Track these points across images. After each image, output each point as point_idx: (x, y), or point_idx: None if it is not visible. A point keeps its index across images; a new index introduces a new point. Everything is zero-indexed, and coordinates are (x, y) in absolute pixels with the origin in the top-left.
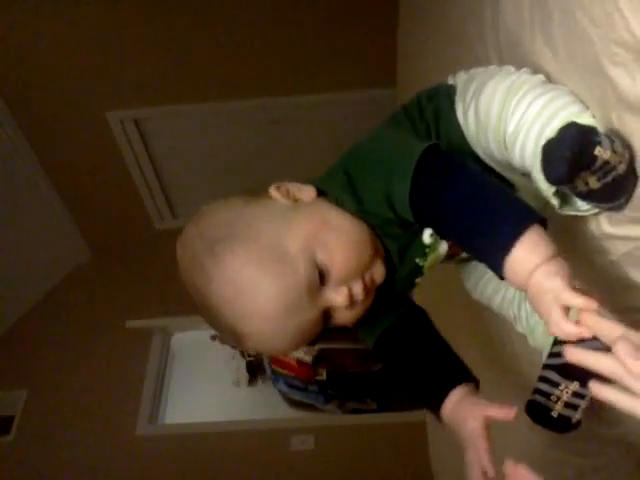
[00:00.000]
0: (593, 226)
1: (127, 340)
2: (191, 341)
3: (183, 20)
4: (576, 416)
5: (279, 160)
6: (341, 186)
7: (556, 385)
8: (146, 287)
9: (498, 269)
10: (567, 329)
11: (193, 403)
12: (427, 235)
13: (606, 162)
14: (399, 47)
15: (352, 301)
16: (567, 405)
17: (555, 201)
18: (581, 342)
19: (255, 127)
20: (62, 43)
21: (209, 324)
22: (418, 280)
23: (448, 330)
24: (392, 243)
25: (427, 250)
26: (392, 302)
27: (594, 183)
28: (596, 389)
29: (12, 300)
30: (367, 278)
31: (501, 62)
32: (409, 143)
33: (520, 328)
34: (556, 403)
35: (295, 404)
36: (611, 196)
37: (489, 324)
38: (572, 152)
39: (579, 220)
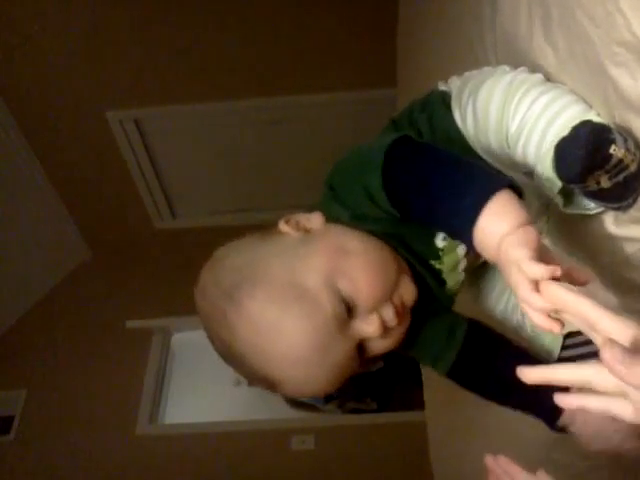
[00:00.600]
0: (598, 227)
1: (127, 340)
2: (191, 341)
3: (183, 20)
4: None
5: (279, 160)
6: (330, 200)
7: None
8: (146, 287)
9: (468, 241)
10: (534, 303)
11: (193, 403)
12: (440, 238)
13: (620, 160)
14: (399, 47)
15: (385, 328)
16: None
17: (559, 200)
18: (574, 347)
19: (255, 127)
20: (62, 43)
21: (238, 372)
22: (450, 288)
23: None
24: (410, 256)
25: (441, 253)
26: (444, 321)
27: (605, 182)
28: (562, 401)
29: (12, 300)
30: (396, 300)
31: (499, 62)
32: (380, 140)
33: (525, 335)
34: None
35: (295, 404)
36: (620, 195)
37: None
38: (587, 151)
39: (584, 220)
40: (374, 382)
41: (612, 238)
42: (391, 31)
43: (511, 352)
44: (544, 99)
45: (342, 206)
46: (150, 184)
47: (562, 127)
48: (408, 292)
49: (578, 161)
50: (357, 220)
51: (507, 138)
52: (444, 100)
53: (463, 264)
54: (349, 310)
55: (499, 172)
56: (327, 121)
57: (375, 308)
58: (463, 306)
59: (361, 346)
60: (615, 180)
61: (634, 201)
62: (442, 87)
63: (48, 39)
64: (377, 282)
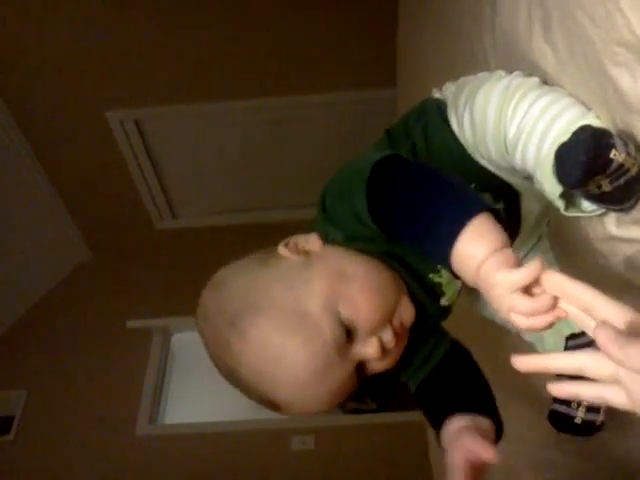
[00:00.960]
0: (599, 228)
1: (127, 340)
2: (191, 341)
3: (184, 20)
4: (599, 418)
5: (279, 160)
6: (324, 222)
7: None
8: (146, 287)
9: (448, 266)
10: (523, 306)
11: (193, 403)
12: None
13: (621, 165)
14: (399, 47)
15: (384, 350)
16: (589, 409)
17: (560, 203)
18: (577, 348)
19: (255, 127)
20: (62, 43)
21: (243, 394)
22: (443, 302)
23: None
24: (406, 274)
25: (439, 266)
26: (429, 337)
27: (606, 186)
28: (556, 389)
29: (12, 300)
30: (396, 322)
31: (499, 62)
32: (369, 157)
33: (528, 337)
34: (577, 409)
35: None
36: (621, 198)
37: (494, 334)
38: (587, 156)
39: (584, 223)
40: (374, 382)
41: (613, 239)
42: (391, 31)
43: (473, 384)
44: (541, 102)
45: (335, 227)
46: (150, 184)
47: (561, 131)
48: (407, 313)
49: (579, 167)
50: (351, 241)
51: (505, 143)
52: (439, 108)
53: None
54: (349, 333)
55: (478, 194)
56: (327, 121)
57: (375, 331)
58: (462, 313)
59: (360, 365)
60: (616, 184)
61: (636, 202)
62: (437, 94)
63: (48, 39)
64: (377, 306)
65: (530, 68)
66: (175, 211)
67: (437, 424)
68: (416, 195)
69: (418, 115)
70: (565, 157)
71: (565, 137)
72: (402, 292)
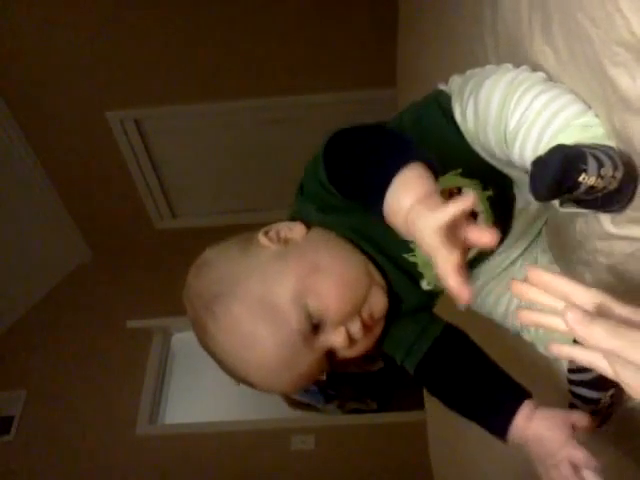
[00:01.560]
0: (596, 227)
1: (127, 340)
2: (191, 341)
3: (183, 20)
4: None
5: (279, 160)
6: (299, 199)
7: (596, 402)
8: (146, 287)
9: (382, 216)
10: (447, 254)
11: (193, 403)
12: None
13: (591, 187)
14: (399, 47)
15: (352, 339)
16: (608, 406)
17: (555, 200)
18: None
19: (255, 127)
20: (62, 43)
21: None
22: (424, 285)
23: None
24: (375, 252)
25: (412, 245)
26: (419, 320)
27: (582, 197)
28: (555, 349)
29: (12, 300)
30: (365, 314)
31: (500, 62)
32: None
33: (528, 337)
34: (599, 404)
35: (295, 404)
36: (604, 205)
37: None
38: (554, 178)
39: (580, 221)
40: (374, 382)
41: (610, 238)
42: (391, 31)
43: (482, 362)
44: (544, 97)
45: (309, 201)
46: (150, 184)
47: (560, 127)
48: (378, 305)
49: (545, 186)
50: (323, 213)
51: (505, 134)
52: (437, 100)
53: None
54: (316, 325)
55: (415, 147)
56: (327, 121)
57: (343, 322)
58: (459, 311)
59: (330, 352)
60: (591, 197)
61: (623, 207)
62: (441, 86)
63: (48, 39)
64: (345, 299)
65: (532, 68)
66: (175, 211)
67: (490, 417)
68: (359, 157)
69: (414, 107)
70: (535, 172)
71: (562, 135)
72: (374, 283)
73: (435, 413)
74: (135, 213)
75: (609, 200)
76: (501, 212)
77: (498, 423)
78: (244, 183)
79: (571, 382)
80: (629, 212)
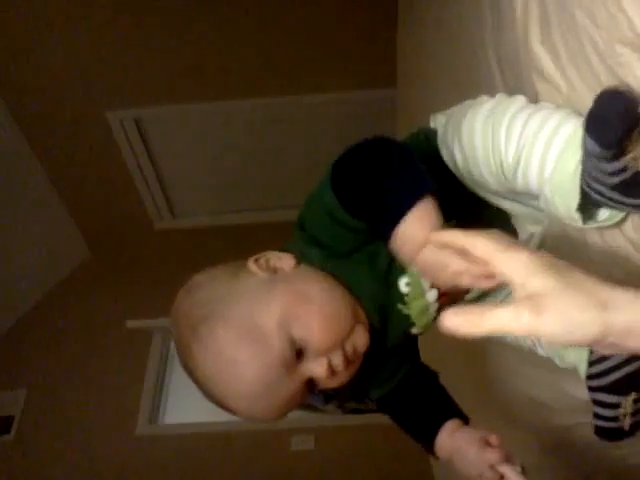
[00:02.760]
0: (617, 233)
1: (127, 340)
2: None
3: (183, 20)
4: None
5: (279, 160)
6: (301, 241)
7: (616, 406)
8: (146, 287)
9: (387, 239)
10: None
11: (193, 403)
12: (403, 284)
13: None
14: (399, 47)
15: (332, 371)
16: (634, 413)
17: (577, 216)
18: (602, 361)
19: (255, 127)
20: (62, 43)
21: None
22: (414, 331)
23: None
24: (370, 303)
25: (406, 299)
26: (393, 356)
27: (633, 161)
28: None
29: (12, 300)
30: (348, 347)
31: (501, 63)
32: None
33: (542, 352)
34: (624, 419)
35: None
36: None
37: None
38: (625, 105)
39: (595, 234)
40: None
41: (631, 245)
42: (391, 31)
43: (435, 393)
44: (535, 120)
45: (312, 245)
46: (150, 184)
47: (564, 143)
48: (361, 341)
49: (616, 117)
50: (327, 260)
51: (503, 168)
52: (424, 134)
53: (435, 307)
54: (299, 353)
55: (424, 173)
56: (327, 121)
57: (325, 353)
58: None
59: (309, 381)
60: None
61: None
62: (432, 124)
63: (48, 40)
64: (329, 331)
65: (531, 69)
66: (175, 211)
67: (424, 434)
68: (373, 178)
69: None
70: (598, 117)
71: (569, 146)
72: (359, 321)
73: None
74: (135, 213)
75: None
76: None
77: (426, 436)
78: (244, 183)
79: (590, 389)
80: None
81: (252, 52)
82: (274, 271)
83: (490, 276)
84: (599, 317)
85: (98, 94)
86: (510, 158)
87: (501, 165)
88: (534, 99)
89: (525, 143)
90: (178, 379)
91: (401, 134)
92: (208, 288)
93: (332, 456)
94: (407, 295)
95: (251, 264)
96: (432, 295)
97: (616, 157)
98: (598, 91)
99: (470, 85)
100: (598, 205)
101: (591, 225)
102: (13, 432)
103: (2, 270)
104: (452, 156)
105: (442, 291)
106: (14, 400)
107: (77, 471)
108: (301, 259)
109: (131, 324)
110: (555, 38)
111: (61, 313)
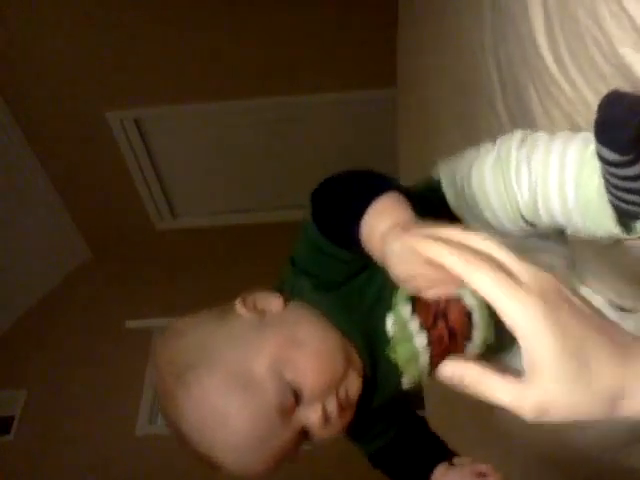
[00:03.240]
0: None
1: (127, 340)
2: None
3: (184, 20)
4: None
5: (279, 160)
6: (292, 275)
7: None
8: (146, 287)
9: (359, 245)
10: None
11: None
12: (390, 323)
13: None
14: (399, 47)
15: (327, 418)
16: None
17: (618, 229)
18: None
19: (255, 127)
20: (62, 43)
21: (182, 449)
22: (405, 383)
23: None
24: (360, 342)
25: (391, 341)
26: (384, 413)
27: None
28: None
29: (12, 300)
30: (341, 393)
31: (500, 63)
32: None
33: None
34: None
35: None
36: None
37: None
38: (629, 104)
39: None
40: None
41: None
42: (391, 31)
43: (429, 443)
44: (539, 152)
45: (304, 276)
46: (150, 184)
47: (576, 164)
48: (353, 386)
49: (624, 117)
50: (317, 291)
51: (520, 210)
52: (425, 182)
53: (426, 357)
54: (295, 398)
55: (390, 179)
56: (327, 121)
57: (319, 398)
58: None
59: (302, 432)
60: None
61: None
62: (435, 175)
63: (48, 40)
64: (323, 374)
65: (532, 68)
66: (175, 211)
67: None
68: (340, 195)
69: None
70: (607, 117)
71: (583, 166)
72: (352, 366)
73: (435, 413)
74: (135, 213)
75: None
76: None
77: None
78: (244, 183)
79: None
80: None
81: (252, 52)
82: (262, 313)
83: (450, 282)
84: (610, 408)
85: (98, 94)
86: (526, 198)
87: (517, 208)
88: (532, 103)
89: (537, 179)
90: None
91: (401, 134)
92: (193, 333)
93: (332, 456)
94: (392, 337)
95: (238, 306)
96: (421, 341)
97: (637, 159)
98: (603, 92)
99: (470, 85)
100: (635, 217)
101: (634, 236)
102: (13, 432)
103: (3, 270)
104: (459, 207)
105: (434, 338)
106: (14, 400)
107: (77, 471)
108: (291, 294)
109: (131, 324)
110: (557, 39)
111: (61, 313)
